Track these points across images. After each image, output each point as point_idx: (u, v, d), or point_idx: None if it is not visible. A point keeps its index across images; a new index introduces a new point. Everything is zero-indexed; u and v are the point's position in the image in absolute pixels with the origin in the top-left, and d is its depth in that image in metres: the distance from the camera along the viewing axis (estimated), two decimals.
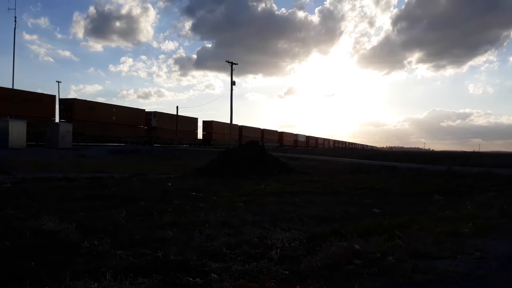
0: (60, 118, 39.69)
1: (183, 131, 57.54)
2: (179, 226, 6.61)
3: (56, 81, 51.68)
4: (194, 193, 10.86)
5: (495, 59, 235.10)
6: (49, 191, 10.68)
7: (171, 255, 4.71)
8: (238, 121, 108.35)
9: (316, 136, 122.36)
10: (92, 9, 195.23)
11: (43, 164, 19.86)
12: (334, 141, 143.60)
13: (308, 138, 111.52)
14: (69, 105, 40.48)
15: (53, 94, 40.61)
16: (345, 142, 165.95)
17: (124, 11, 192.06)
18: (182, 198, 9.90)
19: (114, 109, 45.48)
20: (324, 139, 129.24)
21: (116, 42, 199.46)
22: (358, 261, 4.65)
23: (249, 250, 5.05)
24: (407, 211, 8.85)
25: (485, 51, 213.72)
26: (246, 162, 18.13)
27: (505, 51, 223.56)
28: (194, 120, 62.19)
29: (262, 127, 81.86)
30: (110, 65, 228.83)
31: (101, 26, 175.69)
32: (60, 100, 41.69)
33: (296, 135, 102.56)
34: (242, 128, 72.32)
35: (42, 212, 7.09)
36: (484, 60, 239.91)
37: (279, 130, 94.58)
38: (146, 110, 52.12)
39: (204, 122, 65.35)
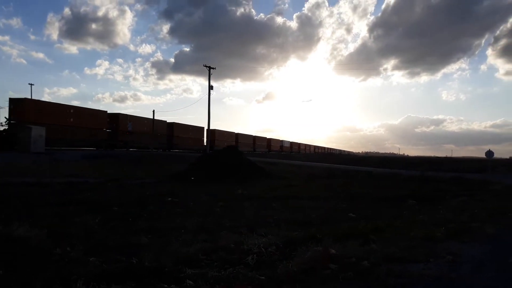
0: (9, 119, 36.27)
1: (160, 135, 56.80)
2: (155, 232, 6.53)
3: (29, 84, 49.78)
4: (170, 199, 10.75)
5: (467, 67, 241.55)
6: (20, 197, 10.37)
7: (146, 261, 4.64)
8: (216, 125, 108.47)
9: (299, 142, 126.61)
10: (67, 11, 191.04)
11: (15, 168, 19.32)
12: (315, 146, 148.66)
13: (292, 144, 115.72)
14: (19, 105, 36.73)
15: (26, 97, 39.37)
16: (325, 148, 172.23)
17: (100, 13, 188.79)
18: (158, 204, 9.78)
19: (71, 110, 41.98)
20: (306, 145, 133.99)
21: (92, 45, 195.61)
22: (334, 265, 4.68)
23: (225, 256, 5.02)
24: (382, 216, 8.98)
25: (458, 59, 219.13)
26: (223, 167, 18.07)
27: (476, 59, 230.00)
28: (170, 125, 61.06)
29: (236, 131, 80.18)
30: (86, 68, 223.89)
31: (76, 28, 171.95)
32: (10, 100, 37.59)
33: (282, 141, 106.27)
34: (215, 132, 68.24)
35: (12, 218, 6.87)
36: (457, 68, 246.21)
37: (266, 136, 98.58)
38: (108, 112, 48.18)
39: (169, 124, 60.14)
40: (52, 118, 38.53)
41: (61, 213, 8.17)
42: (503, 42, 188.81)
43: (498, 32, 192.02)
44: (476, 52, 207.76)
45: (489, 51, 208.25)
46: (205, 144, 61.62)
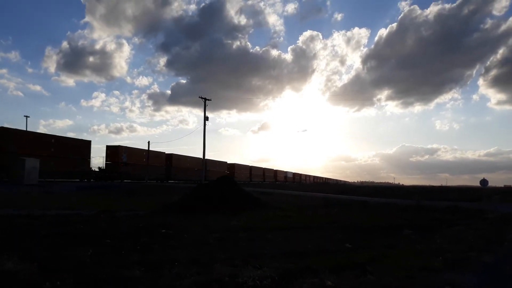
0: None
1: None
2: (147, 264, 6.38)
3: (24, 116, 49.98)
4: (163, 230, 10.58)
5: (459, 97, 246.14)
6: (9, 229, 10.18)
7: None
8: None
9: (300, 172, 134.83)
10: (65, 44, 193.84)
11: (6, 200, 19.05)
12: (314, 176, 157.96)
13: (294, 174, 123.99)
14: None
15: (22, 128, 39.30)
16: (323, 178, 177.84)
17: (98, 46, 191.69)
18: (151, 236, 9.62)
19: (52, 140, 40.69)
20: (306, 175, 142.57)
21: (89, 77, 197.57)
22: None
23: None
24: (378, 246, 8.89)
25: (450, 89, 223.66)
26: (217, 198, 17.92)
27: (468, 89, 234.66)
28: (162, 155, 60.72)
29: (230, 161, 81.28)
30: (82, 100, 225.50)
31: (73, 61, 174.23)
32: None
33: (286, 172, 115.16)
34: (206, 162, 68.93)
35: (1, 251, 6.73)
36: (450, 98, 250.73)
37: (271, 167, 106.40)
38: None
39: (108, 147, 55.98)
40: (33, 148, 37.62)
41: (52, 245, 8.00)
42: (493, 72, 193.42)
43: (488, 62, 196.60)
44: (468, 82, 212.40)
45: (481, 81, 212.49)
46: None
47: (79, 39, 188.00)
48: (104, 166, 48.39)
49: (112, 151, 49.92)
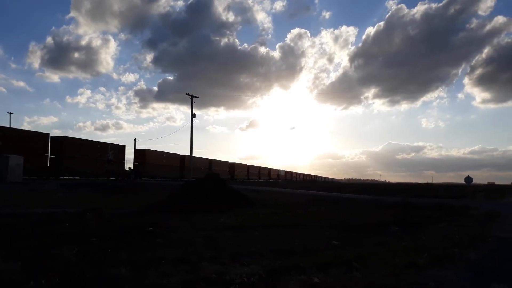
0: None
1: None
2: (134, 263, 6.33)
3: (8, 112, 48.79)
4: (150, 229, 10.50)
5: (445, 96, 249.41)
6: None
7: None
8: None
9: (291, 170, 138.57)
10: (49, 39, 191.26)
11: None
12: (304, 174, 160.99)
13: (286, 172, 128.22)
14: None
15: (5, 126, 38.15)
16: (312, 175, 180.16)
17: (83, 42, 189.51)
18: (138, 234, 9.55)
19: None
20: (297, 173, 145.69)
21: (74, 73, 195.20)
22: None
23: (207, 287, 4.90)
24: (365, 243, 8.96)
25: (437, 88, 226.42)
26: (205, 196, 17.87)
27: (454, 88, 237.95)
28: (141, 152, 59.22)
29: (209, 158, 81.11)
30: (67, 97, 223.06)
31: (58, 56, 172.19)
32: None
33: (279, 170, 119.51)
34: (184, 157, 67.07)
35: None
36: (436, 96, 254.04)
37: (265, 166, 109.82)
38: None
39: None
40: None
41: (36, 245, 7.88)
42: (478, 71, 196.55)
43: (473, 62, 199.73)
44: (454, 81, 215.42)
45: (466, 80, 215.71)
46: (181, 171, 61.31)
47: (64, 35, 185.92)
48: None
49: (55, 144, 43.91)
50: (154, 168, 56.37)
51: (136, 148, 55.29)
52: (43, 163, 40.56)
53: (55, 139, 42.55)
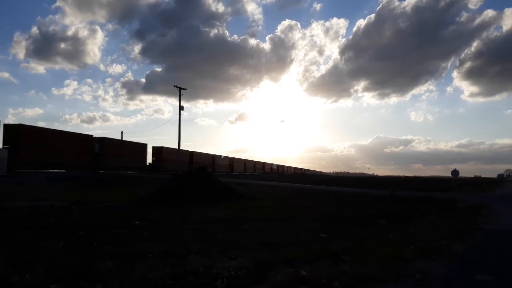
0: None
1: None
2: (121, 257, 6.27)
3: None
4: (138, 222, 10.44)
5: (434, 89, 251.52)
6: None
7: (111, 287, 4.44)
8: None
9: (283, 164, 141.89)
10: (35, 30, 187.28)
11: None
12: (294, 168, 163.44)
13: (278, 166, 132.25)
14: None
15: None
16: (302, 169, 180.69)
17: (70, 32, 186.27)
18: (125, 228, 9.48)
19: None
20: (288, 167, 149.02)
21: (60, 64, 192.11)
22: (305, 287, 4.61)
23: (194, 281, 4.88)
24: (353, 235, 9.00)
25: (426, 81, 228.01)
26: (194, 189, 17.81)
27: (443, 81, 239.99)
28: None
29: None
30: (53, 88, 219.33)
31: (44, 47, 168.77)
32: None
33: (272, 164, 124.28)
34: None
35: None
36: (425, 90, 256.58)
37: (260, 160, 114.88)
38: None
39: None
40: None
41: (22, 238, 7.78)
42: (467, 65, 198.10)
43: (463, 55, 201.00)
44: (443, 75, 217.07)
45: (455, 74, 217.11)
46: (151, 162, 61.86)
47: (50, 25, 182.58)
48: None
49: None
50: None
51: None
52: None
53: (9, 127, 37.46)
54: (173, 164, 57.02)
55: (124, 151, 52.89)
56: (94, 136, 48.76)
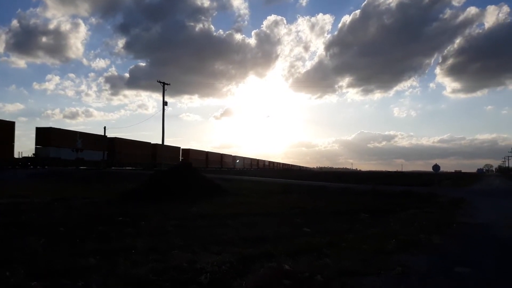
0: None
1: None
2: (103, 253, 6.23)
3: None
4: (121, 218, 10.36)
5: (417, 85, 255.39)
6: None
7: (93, 284, 4.42)
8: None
9: (269, 160, 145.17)
10: (15, 23, 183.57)
11: None
12: (283, 164, 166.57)
13: (270, 162, 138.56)
14: None
15: None
16: (289, 164, 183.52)
17: (52, 26, 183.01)
18: (108, 224, 9.39)
19: None
20: (276, 163, 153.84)
21: (41, 59, 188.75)
22: (288, 281, 4.66)
23: (177, 276, 4.88)
24: (336, 230, 9.11)
25: (409, 77, 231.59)
26: (178, 185, 17.73)
27: (426, 77, 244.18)
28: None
29: (206, 150, 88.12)
30: (34, 83, 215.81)
31: (25, 41, 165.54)
32: None
33: (264, 160, 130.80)
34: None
35: None
36: (409, 86, 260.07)
37: (255, 157, 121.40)
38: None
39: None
40: None
41: (2, 235, 7.66)
42: (450, 61, 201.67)
43: (445, 52, 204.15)
44: (426, 71, 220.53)
45: (438, 70, 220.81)
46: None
47: (31, 18, 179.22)
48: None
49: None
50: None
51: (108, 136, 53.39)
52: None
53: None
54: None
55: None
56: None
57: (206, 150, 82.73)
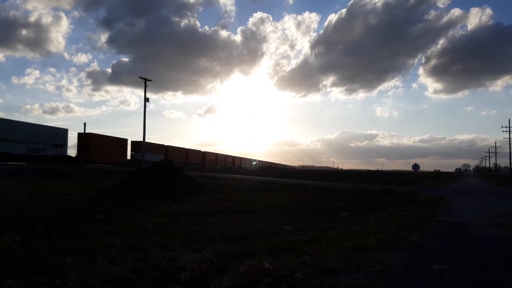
0: None
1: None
2: (81, 251, 6.13)
3: None
4: (100, 216, 10.21)
5: (400, 85, 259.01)
6: None
7: (70, 282, 4.34)
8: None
9: (257, 159, 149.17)
10: None
11: None
12: (270, 162, 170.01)
13: (260, 161, 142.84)
14: None
15: None
16: (274, 163, 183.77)
17: (32, 18, 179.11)
18: (86, 221, 9.24)
19: None
20: (264, 161, 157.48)
21: (21, 52, 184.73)
22: (268, 279, 4.66)
23: (156, 274, 4.83)
24: (317, 227, 9.17)
25: (393, 77, 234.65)
26: (159, 182, 17.57)
27: (409, 78, 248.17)
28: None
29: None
30: (13, 77, 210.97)
31: (3, 33, 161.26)
32: None
33: (255, 160, 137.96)
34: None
35: None
36: (392, 86, 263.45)
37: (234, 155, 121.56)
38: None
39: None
40: None
41: None
42: (432, 62, 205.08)
43: (429, 52, 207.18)
44: (410, 71, 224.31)
45: (421, 71, 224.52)
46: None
47: (10, 9, 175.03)
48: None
49: None
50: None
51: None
52: None
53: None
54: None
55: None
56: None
57: (187, 147, 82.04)
